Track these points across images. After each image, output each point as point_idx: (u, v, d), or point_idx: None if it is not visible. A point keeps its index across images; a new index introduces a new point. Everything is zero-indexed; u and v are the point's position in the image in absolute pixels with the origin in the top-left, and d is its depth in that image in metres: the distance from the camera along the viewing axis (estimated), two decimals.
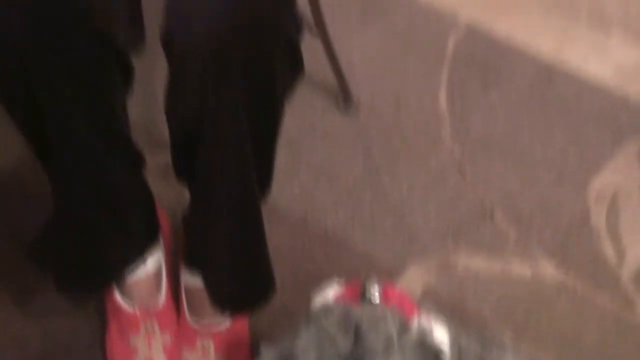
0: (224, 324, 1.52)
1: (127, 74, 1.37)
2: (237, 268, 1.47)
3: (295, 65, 1.34)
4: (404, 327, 1.12)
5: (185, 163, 1.43)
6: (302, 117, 1.84)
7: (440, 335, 1.19)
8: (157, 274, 1.54)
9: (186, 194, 1.48)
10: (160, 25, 1.25)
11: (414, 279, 1.64)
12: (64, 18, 1.21)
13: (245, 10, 1.19)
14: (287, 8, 1.27)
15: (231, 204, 1.39)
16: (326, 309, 1.13)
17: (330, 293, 1.30)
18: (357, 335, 1.10)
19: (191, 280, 1.52)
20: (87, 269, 1.50)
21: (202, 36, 1.20)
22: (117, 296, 1.52)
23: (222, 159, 1.34)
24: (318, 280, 1.58)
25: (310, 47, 1.44)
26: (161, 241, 1.56)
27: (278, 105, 1.35)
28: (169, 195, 1.62)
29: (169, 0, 1.25)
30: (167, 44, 1.25)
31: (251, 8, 1.19)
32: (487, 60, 1.96)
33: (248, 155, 1.34)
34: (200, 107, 1.28)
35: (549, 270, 1.66)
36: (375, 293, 1.24)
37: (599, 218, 1.74)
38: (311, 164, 1.79)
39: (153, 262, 1.53)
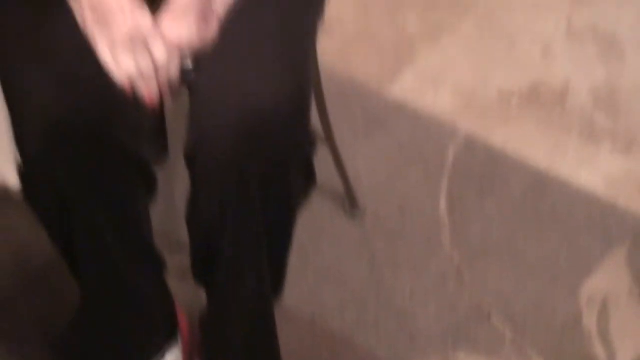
0: None
1: (150, 184, 1.41)
2: None
3: (308, 178, 1.39)
4: None
5: (203, 268, 1.47)
6: (311, 221, 1.87)
7: None
8: None
9: (203, 294, 1.52)
10: (184, 142, 1.30)
11: None
12: (92, 134, 1.26)
13: (264, 130, 1.24)
14: (302, 127, 1.32)
15: (246, 307, 1.42)
16: None
17: None
18: None
19: None
20: None
21: (224, 153, 1.25)
22: None
23: (240, 266, 1.38)
24: None
25: (319, 157, 1.49)
26: (179, 338, 1.59)
27: (292, 214, 1.39)
28: (187, 293, 1.65)
29: (192, 119, 1.30)
30: (190, 160, 1.30)
31: (270, 128, 1.24)
32: (485, 170, 2.01)
33: (264, 261, 1.39)
34: (220, 217, 1.33)
35: None
36: None
37: (590, 320, 1.77)
38: (319, 267, 1.83)
39: (171, 358, 1.56)
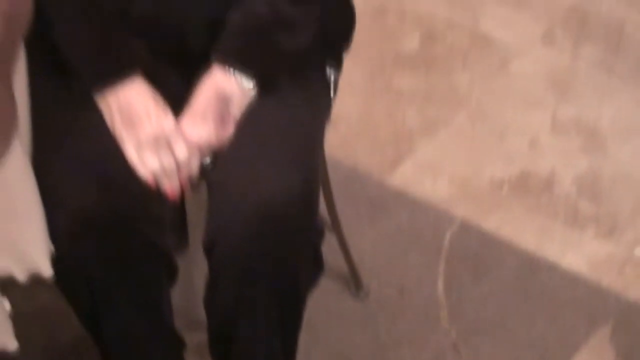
0: None
1: (172, 271, 1.43)
2: None
3: (316, 265, 1.40)
4: None
5: (220, 346, 1.47)
6: (319, 301, 1.85)
7: None
8: None
9: None
10: (203, 234, 1.31)
11: None
12: (119, 226, 1.28)
13: (276, 222, 1.26)
14: (311, 219, 1.33)
15: None
16: None
17: None
18: None
19: None
20: None
21: (239, 244, 1.27)
22: None
23: (254, 345, 1.38)
24: None
25: (326, 241, 1.50)
26: None
27: (301, 299, 1.40)
28: None
29: (210, 212, 1.32)
30: (209, 251, 1.31)
31: (281, 221, 1.26)
32: (479, 253, 2.01)
33: (276, 341, 1.39)
34: (236, 301, 1.34)
35: None
36: None
37: None
38: (325, 343, 1.82)
39: None
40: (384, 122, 2.28)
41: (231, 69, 1.30)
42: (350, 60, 1.54)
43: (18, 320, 1.34)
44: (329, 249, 1.75)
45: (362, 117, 2.29)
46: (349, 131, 2.24)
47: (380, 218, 2.07)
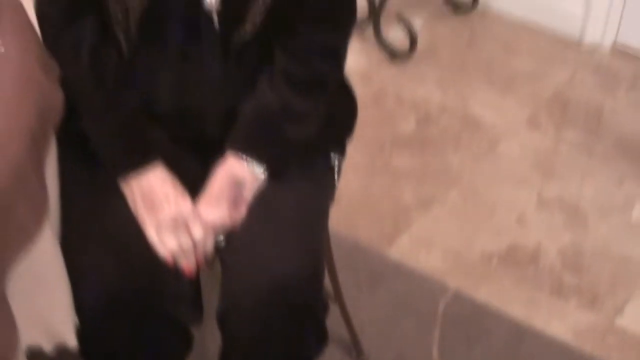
0: None
1: (187, 342, 1.43)
2: None
3: (321, 337, 1.40)
4: None
5: None
6: None
7: None
8: None
9: None
10: (216, 307, 1.32)
11: None
12: (140, 302, 1.28)
13: (284, 299, 1.26)
14: (316, 296, 1.34)
15: None
16: None
17: None
18: None
19: None
20: None
21: (250, 318, 1.28)
22: None
23: None
24: None
25: (329, 311, 1.49)
26: None
27: None
28: None
29: (223, 287, 1.32)
30: (221, 322, 1.32)
31: (289, 297, 1.27)
32: (471, 321, 2.00)
33: None
34: None
35: None
36: None
37: None
38: None
39: None
40: (383, 199, 2.30)
41: (244, 157, 1.32)
42: (352, 141, 1.56)
43: None
44: (332, 317, 1.74)
45: (362, 194, 2.31)
46: (350, 207, 2.25)
47: (379, 288, 2.07)
